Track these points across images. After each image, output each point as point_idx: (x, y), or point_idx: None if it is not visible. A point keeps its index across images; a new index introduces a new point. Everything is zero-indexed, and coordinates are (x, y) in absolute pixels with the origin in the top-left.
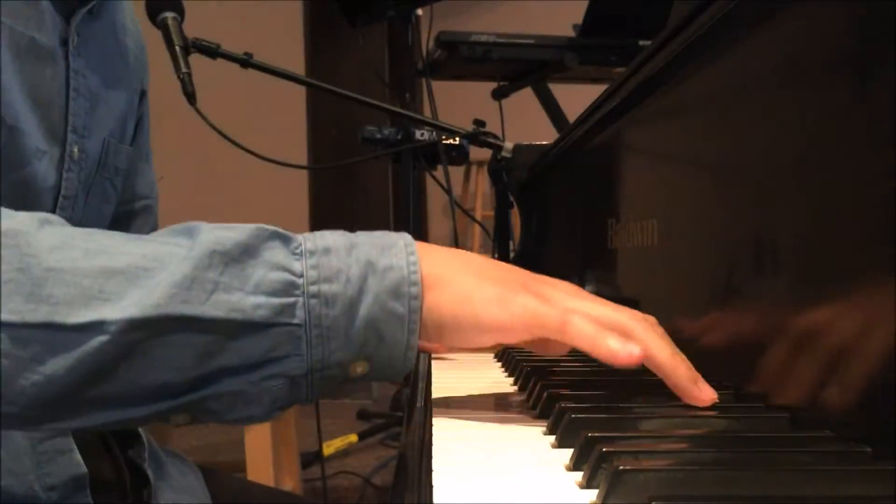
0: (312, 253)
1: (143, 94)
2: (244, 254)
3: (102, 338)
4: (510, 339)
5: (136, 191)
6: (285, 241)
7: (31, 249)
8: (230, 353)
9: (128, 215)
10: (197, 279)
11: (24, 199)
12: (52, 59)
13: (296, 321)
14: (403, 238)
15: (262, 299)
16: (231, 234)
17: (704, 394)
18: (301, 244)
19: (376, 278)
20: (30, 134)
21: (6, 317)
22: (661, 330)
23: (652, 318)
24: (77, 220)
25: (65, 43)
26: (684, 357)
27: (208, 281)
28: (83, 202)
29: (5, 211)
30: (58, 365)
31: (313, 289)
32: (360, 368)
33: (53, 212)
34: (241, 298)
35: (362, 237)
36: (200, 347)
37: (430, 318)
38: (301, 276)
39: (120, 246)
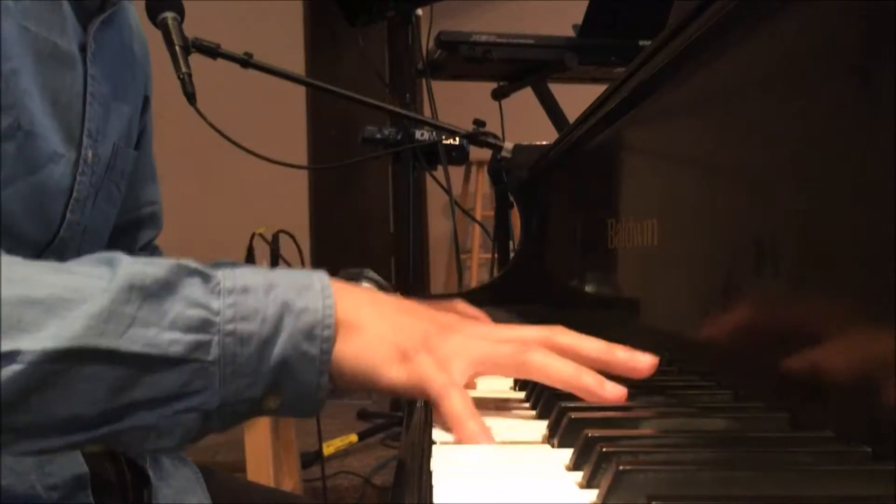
0: (231, 291)
1: (146, 100)
2: (162, 289)
3: (17, 367)
4: (401, 395)
5: (142, 197)
6: (205, 278)
7: None
8: (144, 387)
9: (136, 223)
10: (114, 313)
11: (39, 201)
12: (72, 64)
13: (210, 358)
14: (321, 280)
15: (177, 335)
16: (151, 269)
17: (610, 395)
18: (220, 282)
19: (291, 319)
20: (48, 138)
21: None
22: (567, 337)
23: (557, 329)
24: (85, 223)
25: (82, 49)
26: (594, 346)
27: (125, 315)
28: (91, 205)
29: None
30: None
31: (229, 327)
32: (272, 403)
33: (64, 214)
34: (157, 333)
35: (281, 277)
36: (115, 381)
37: (337, 362)
38: (218, 313)
39: (41, 276)
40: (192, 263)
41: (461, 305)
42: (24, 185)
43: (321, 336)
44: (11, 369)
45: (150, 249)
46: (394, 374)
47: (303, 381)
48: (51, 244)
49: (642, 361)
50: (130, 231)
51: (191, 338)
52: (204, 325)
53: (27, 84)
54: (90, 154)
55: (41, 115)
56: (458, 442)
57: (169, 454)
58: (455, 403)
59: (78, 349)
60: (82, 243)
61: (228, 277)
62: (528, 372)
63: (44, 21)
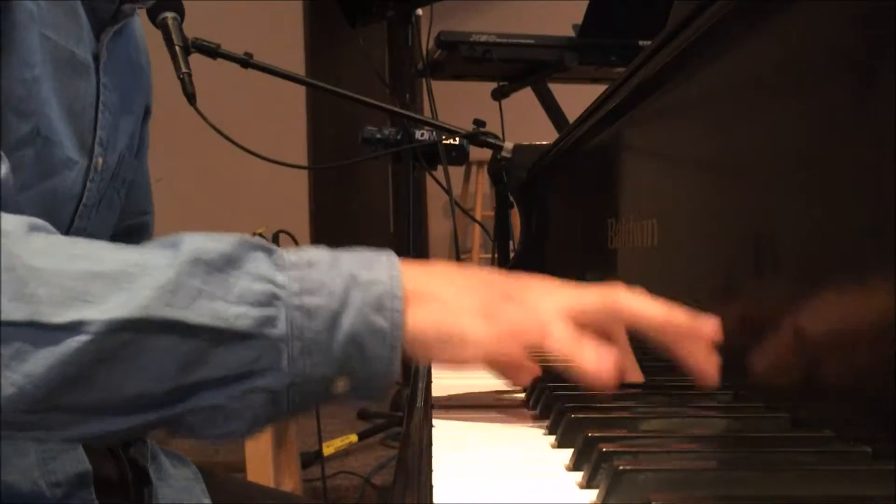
0: (296, 265)
1: (147, 112)
2: (227, 264)
3: (84, 337)
4: (497, 352)
5: (137, 206)
6: (269, 252)
7: (17, 250)
8: (211, 364)
9: (138, 228)
10: (181, 285)
11: (51, 207)
12: (87, 73)
13: (278, 333)
14: (387, 254)
15: (244, 309)
16: (215, 244)
17: (707, 329)
18: (285, 257)
19: (359, 291)
20: (63, 145)
21: None
22: (643, 292)
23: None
24: (90, 229)
25: (95, 58)
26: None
27: (192, 287)
28: (96, 211)
29: None
30: (38, 364)
31: (296, 301)
32: (341, 385)
33: (73, 220)
34: (224, 307)
35: (346, 253)
36: (183, 355)
37: (415, 333)
38: (284, 287)
39: (104, 252)
40: (255, 239)
41: None
42: (38, 191)
43: (391, 307)
44: (77, 340)
45: None
46: (482, 332)
47: (373, 356)
48: None
49: (705, 324)
50: (135, 236)
51: (257, 312)
52: (270, 299)
53: (46, 92)
54: (100, 161)
55: (58, 123)
56: (586, 377)
57: (237, 438)
58: (563, 334)
59: (145, 319)
60: None
61: (293, 252)
62: (621, 312)
63: (63, 29)
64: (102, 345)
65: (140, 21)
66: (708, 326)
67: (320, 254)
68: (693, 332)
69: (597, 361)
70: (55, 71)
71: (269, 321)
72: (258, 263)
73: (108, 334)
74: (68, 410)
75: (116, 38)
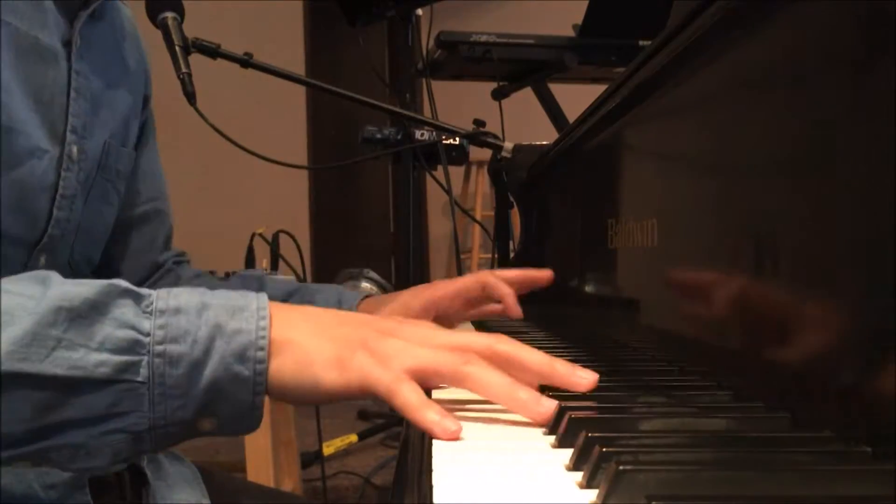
0: (162, 312)
1: (146, 100)
2: (92, 310)
3: None
4: (346, 397)
5: (141, 192)
6: (136, 298)
7: None
8: (71, 408)
9: (137, 219)
10: (38, 335)
11: (21, 197)
12: (54, 59)
13: (139, 379)
14: (259, 301)
15: (105, 356)
16: (81, 289)
17: (539, 415)
18: (153, 303)
19: (223, 341)
20: (30, 133)
21: None
22: (504, 349)
23: (502, 338)
24: (77, 221)
25: (67, 44)
26: (536, 358)
27: (50, 338)
28: (82, 203)
29: None
30: None
31: (159, 348)
32: (207, 424)
33: (51, 210)
34: (84, 355)
35: (216, 298)
36: (40, 402)
37: (274, 381)
38: (148, 334)
39: None
40: (124, 284)
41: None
42: (4, 180)
43: (254, 357)
44: None
45: (173, 255)
46: (334, 378)
47: (236, 401)
48: (39, 242)
49: (583, 378)
50: (128, 228)
51: (119, 359)
52: (133, 346)
53: (8, 79)
54: (75, 150)
55: (22, 111)
56: (429, 435)
57: (100, 472)
58: (409, 396)
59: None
60: (76, 243)
61: (161, 298)
62: (465, 383)
63: (24, 15)
64: None
65: (130, 12)
66: (539, 415)
67: (190, 299)
68: (526, 414)
69: (438, 425)
70: (16, 58)
71: (131, 367)
72: (124, 310)
73: None
74: None
75: (93, 23)
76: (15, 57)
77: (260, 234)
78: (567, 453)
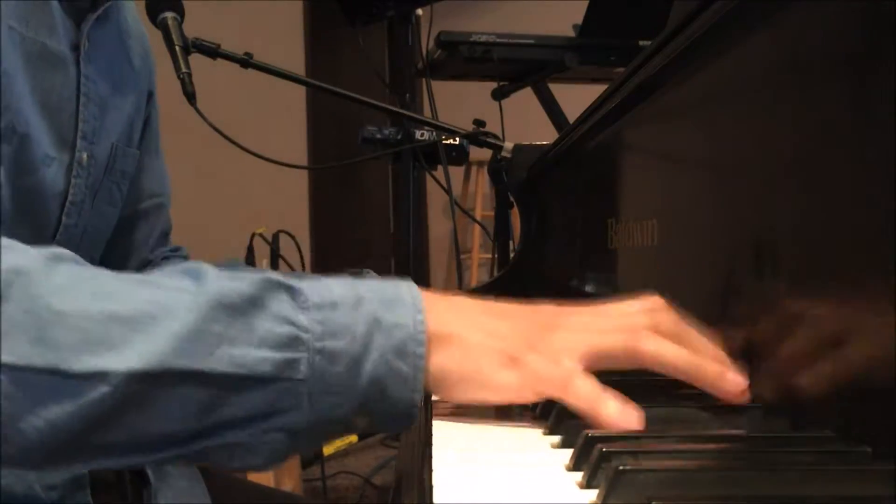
0: (319, 307)
1: (150, 95)
2: (250, 305)
3: (105, 388)
4: (516, 400)
5: (144, 188)
6: (292, 292)
7: (38, 290)
8: (233, 406)
9: (138, 215)
10: (201, 332)
11: (32, 205)
12: (63, 64)
13: (299, 376)
14: (411, 291)
15: (266, 353)
16: (238, 284)
17: (731, 385)
18: (308, 297)
19: (382, 336)
20: (39, 140)
21: (9, 359)
22: (670, 319)
23: (657, 304)
24: (83, 225)
25: (75, 48)
26: (706, 346)
27: (212, 334)
28: (90, 207)
29: (11, 245)
30: (60, 411)
31: (318, 345)
32: (361, 422)
33: (60, 218)
34: (246, 352)
35: (369, 290)
36: (203, 400)
37: (438, 377)
38: (307, 330)
39: (127, 291)
40: (279, 277)
41: None
42: (16, 188)
43: (413, 353)
44: (98, 390)
45: (170, 249)
46: (504, 379)
47: (394, 399)
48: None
49: (733, 382)
50: (129, 225)
51: (280, 356)
52: (293, 343)
53: (18, 86)
54: (85, 156)
55: (32, 118)
56: (607, 427)
57: (255, 471)
58: (582, 391)
59: (165, 370)
60: (80, 245)
61: (316, 291)
62: (643, 359)
63: (31, 21)
64: (123, 394)
65: (134, 8)
66: (731, 385)
67: (344, 292)
68: (716, 387)
69: (618, 416)
70: (26, 64)
71: (291, 364)
72: (281, 305)
73: (127, 385)
74: (92, 449)
75: (100, 25)
76: (24, 63)
77: (260, 234)
78: (567, 453)
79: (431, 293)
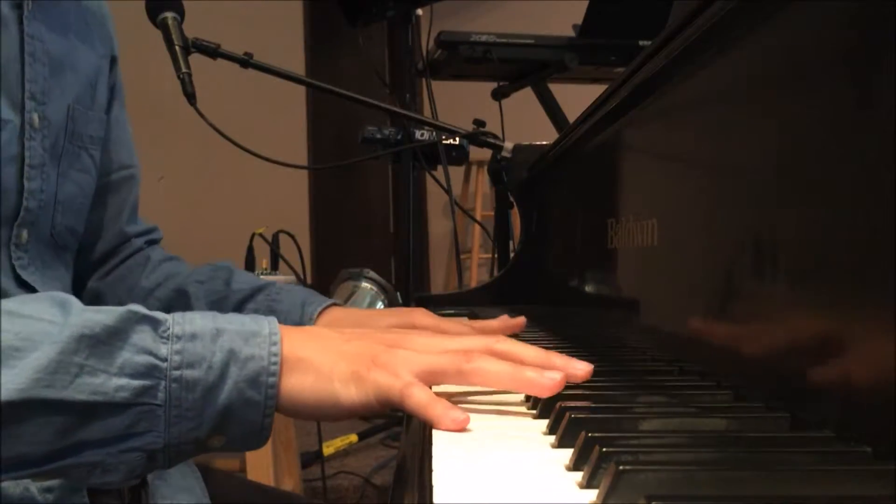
0: (179, 338)
1: (113, 61)
2: (112, 336)
3: None
4: (363, 411)
5: (113, 159)
6: (154, 324)
7: None
8: (91, 430)
9: (108, 187)
10: (63, 363)
11: None
12: (3, 25)
13: (157, 402)
14: (270, 326)
15: (125, 381)
16: (101, 317)
17: (548, 381)
18: (169, 328)
19: (237, 367)
20: None
21: None
22: (502, 348)
23: (491, 340)
24: (53, 192)
25: (18, 6)
26: (532, 353)
27: (74, 364)
28: (55, 173)
29: None
30: None
31: (175, 374)
32: (216, 442)
33: (21, 182)
34: (105, 380)
35: (230, 323)
36: (61, 425)
37: (291, 398)
38: (165, 360)
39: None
40: (143, 310)
41: (419, 315)
42: None
43: (266, 383)
44: None
45: (143, 230)
46: (352, 393)
47: (247, 423)
48: (17, 217)
49: (578, 369)
50: (104, 195)
51: (138, 383)
52: (151, 371)
53: None
54: (36, 117)
55: None
56: (437, 428)
57: (112, 487)
58: (418, 396)
59: (26, 400)
60: (56, 215)
61: (178, 323)
62: (470, 378)
63: None
64: None
65: None
66: (548, 381)
67: (205, 324)
68: (535, 385)
69: (446, 418)
70: None
71: (149, 391)
72: (142, 336)
73: None
74: None
75: None
76: None
77: (260, 234)
78: (567, 453)
79: (291, 327)
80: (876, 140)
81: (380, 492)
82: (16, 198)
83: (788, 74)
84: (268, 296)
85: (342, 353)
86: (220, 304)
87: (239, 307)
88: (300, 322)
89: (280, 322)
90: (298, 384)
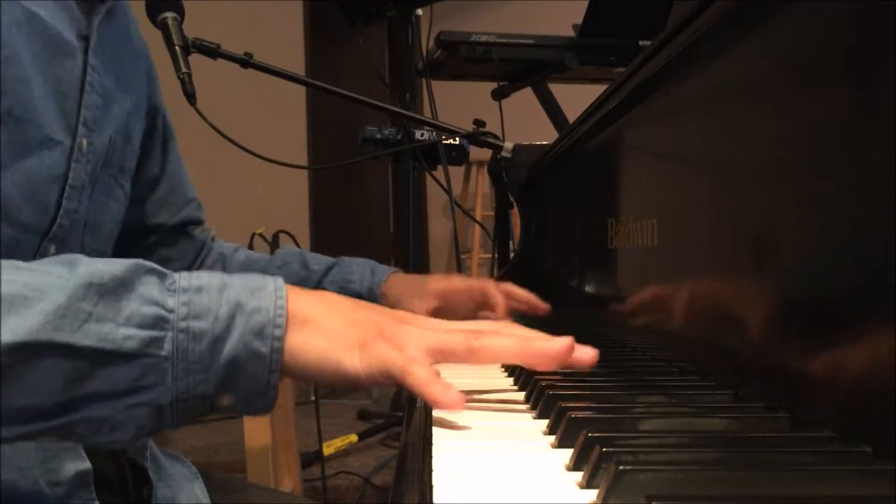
0: (185, 290)
1: (155, 109)
2: (120, 287)
3: None
4: (365, 381)
5: (188, 194)
6: (161, 277)
7: None
8: (98, 380)
9: (187, 221)
10: (71, 308)
11: (33, 186)
12: (72, 53)
13: (163, 353)
14: (276, 282)
15: (132, 331)
16: (109, 267)
17: (560, 347)
18: (176, 281)
19: (243, 318)
20: (44, 124)
21: None
22: (508, 331)
23: (499, 324)
24: (84, 212)
25: (84, 38)
26: (540, 334)
27: (81, 311)
28: (89, 195)
29: None
30: None
31: (182, 325)
32: (225, 400)
33: (60, 201)
34: (112, 329)
35: (237, 279)
36: (70, 373)
37: (295, 355)
38: (172, 311)
39: (5, 277)
40: (150, 263)
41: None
42: (18, 170)
43: (272, 335)
44: None
45: (208, 240)
46: (356, 361)
47: (253, 378)
48: (49, 231)
49: (585, 353)
50: (184, 227)
51: (145, 333)
52: (158, 322)
53: (26, 71)
54: (85, 143)
55: (39, 101)
56: (435, 407)
57: (124, 446)
58: (419, 374)
59: (34, 343)
60: (85, 236)
61: (185, 277)
62: (479, 355)
63: (49, 8)
64: None
65: (133, 14)
66: (558, 347)
67: (211, 279)
68: (549, 356)
69: (443, 396)
70: (42, 49)
71: (156, 342)
72: (150, 287)
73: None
74: None
75: (107, 21)
76: (41, 48)
77: (260, 234)
78: (567, 453)
79: (300, 288)
80: (876, 140)
81: (380, 492)
82: (52, 214)
83: (788, 74)
84: (341, 269)
85: (351, 319)
86: (301, 284)
87: (318, 285)
88: (372, 287)
89: (355, 289)
90: (304, 342)
